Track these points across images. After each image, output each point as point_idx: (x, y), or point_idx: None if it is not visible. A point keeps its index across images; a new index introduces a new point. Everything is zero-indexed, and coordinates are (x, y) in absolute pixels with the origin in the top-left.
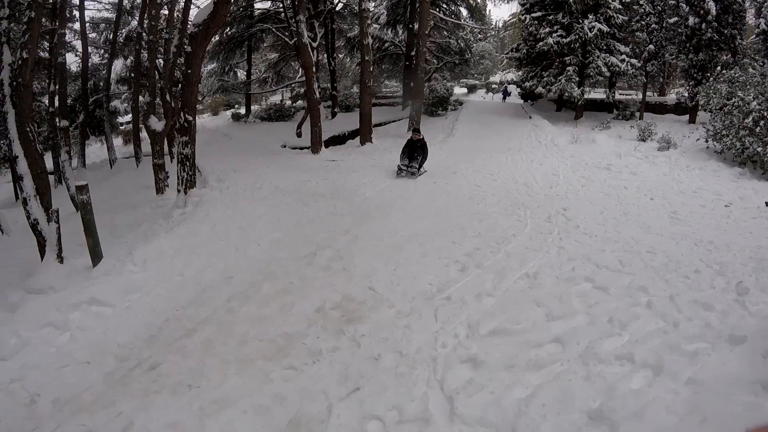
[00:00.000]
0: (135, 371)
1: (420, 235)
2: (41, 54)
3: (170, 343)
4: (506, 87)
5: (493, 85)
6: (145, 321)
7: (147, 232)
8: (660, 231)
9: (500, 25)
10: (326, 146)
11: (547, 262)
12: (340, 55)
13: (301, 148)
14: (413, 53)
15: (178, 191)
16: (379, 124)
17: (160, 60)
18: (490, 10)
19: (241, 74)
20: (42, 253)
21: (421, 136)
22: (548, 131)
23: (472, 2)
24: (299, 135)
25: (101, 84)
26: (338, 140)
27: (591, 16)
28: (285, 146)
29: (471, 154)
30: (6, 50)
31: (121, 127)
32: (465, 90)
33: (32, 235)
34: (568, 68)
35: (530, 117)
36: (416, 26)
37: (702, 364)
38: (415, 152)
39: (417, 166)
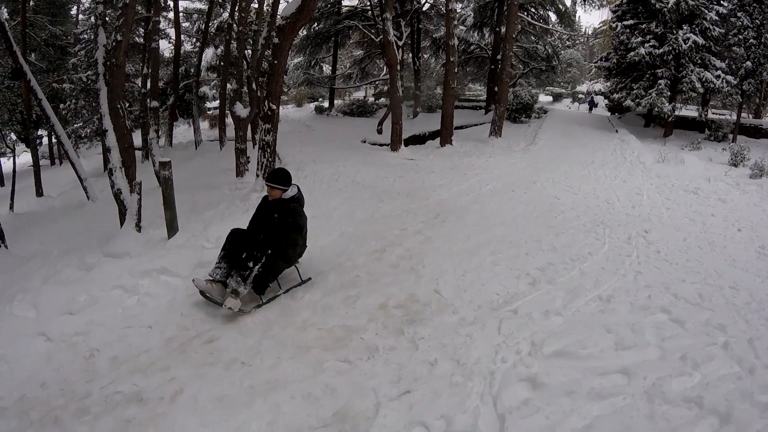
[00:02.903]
0: (194, 341)
1: (493, 243)
2: (136, 39)
3: (231, 319)
4: (593, 97)
5: (580, 95)
6: None
7: (224, 211)
8: (745, 266)
9: (590, 32)
10: (406, 145)
11: (622, 286)
12: (425, 56)
13: (381, 145)
14: (499, 57)
15: (257, 176)
16: (461, 127)
17: (249, 50)
18: (579, 16)
19: (327, 69)
20: (122, 221)
21: (293, 192)
22: (635, 147)
23: (561, 7)
24: (380, 132)
25: (192, 70)
26: (418, 140)
27: (686, 27)
28: (365, 142)
29: (552, 165)
30: (102, 32)
31: (208, 112)
32: (550, 98)
33: (115, 204)
34: (659, 81)
35: (617, 131)
36: (503, 29)
37: None
38: (255, 237)
39: (248, 275)
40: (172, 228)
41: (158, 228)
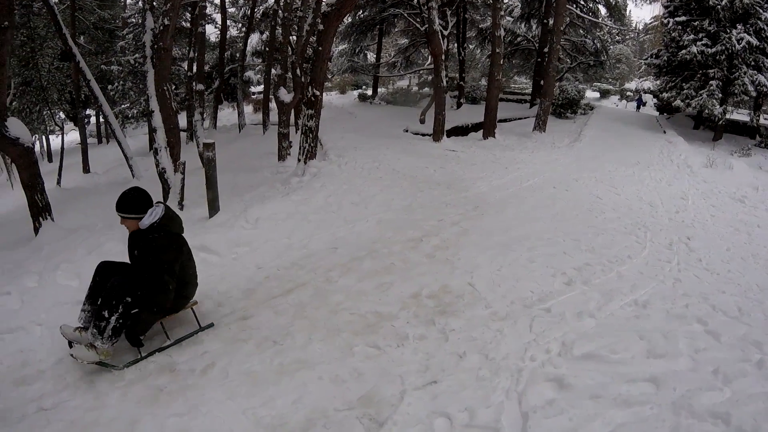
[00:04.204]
0: (228, 318)
1: (530, 239)
2: (183, 23)
3: (266, 299)
4: (641, 96)
5: (628, 93)
6: (247, 274)
7: (264, 194)
8: None
9: (640, 28)
10: (448, 136)
11: (659, 292)
12: (471, 46)
13: (423, 135)
14: (546, 50)
15: (299, 160)
16: (504, 120)
17: (293, 36)
18: (630, 10)
19: (371, 56)
20: (165, 198)
21: (153, 217)
22: (682, 150)
23: (611, 0)
24: (422, 121)
25: (237, 55)
26: (460, 131)
27: (740, 27)
28: (407, 131)
29: (596, 163)
30: (149, 17)
31: (252, 96)
32: (597, 94)
33: (159, 182)
34: (710, 82)
35: (664, 131)
36: (551, 22)
37: None
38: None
39: (104, 327)
40: (213, 207)
41: (200, 207)
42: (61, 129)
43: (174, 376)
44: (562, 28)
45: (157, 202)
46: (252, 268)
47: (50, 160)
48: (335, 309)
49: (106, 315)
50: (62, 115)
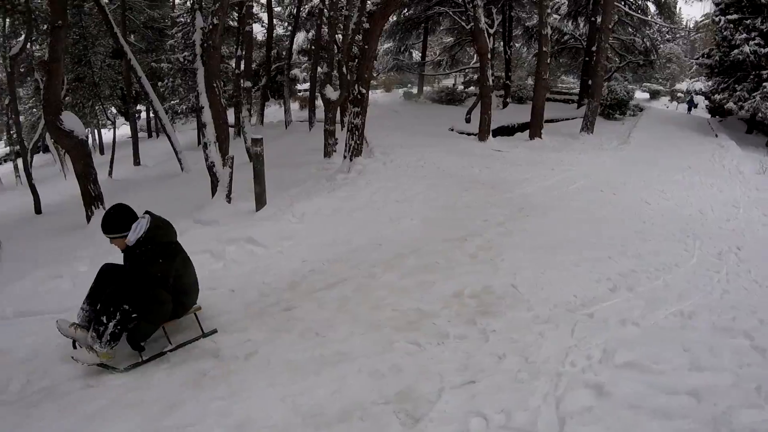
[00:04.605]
0: (272, 308)
1: (575, 242)
2: (231, 23)
3: (310, 292)
4: (692, 97)
5: (679, 94)
6: (291, 267)
7: (310, 189)
8: None
9: (691, 26)
10: (493, 135)
11: (706, 303)
12: (517, 45)
13: (468, 134)
14: (594, 48)
15: (344, 157)
16: (551, 121)
17: (339, 35)
18: (680, 8)
19: (416, 55)
20: (213, 191)
21: (139, 232)
22: (734, 155)
23: None
24: (468, 121)
25: (283, 53)
26: (506, 131)
27: None
28: (452, 130)
29: (644, 167)
30: (198, 16)
31: (298, 94)
32: (647, 95)
33: (207, 176)
34: (764, 84)
35: (716, 135)
36: (599, 19)
37: None
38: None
39: (103, 332)
40: (260, 201)
41: (247, 200)
42: (113, 123)
43: (217, 361)
44: (610, 26)
45: (144, 214)
46: (297, 261)
47: (102, 152)
48: (377, 304)
49: (105, 320)
50: (114, 110)
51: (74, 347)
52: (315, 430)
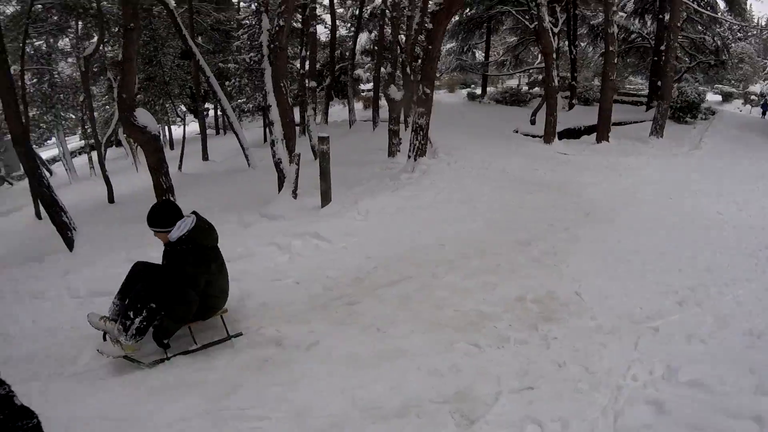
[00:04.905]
0: (335, 302)
1: (643, 252)
2: (295, 24)
3: (373, 288)
4: (767, 100)
5: (752, 96)
6: (355, 263)
7: (374, 188)
8: None
9: (763, 23)
10: (559, 138)
11: None
12: (582, 44)
13: (533, 136)
14: (662, 48)
15: (409, 157)
16: (619, 123)
17: (402, 35)
18: (751, 4)
19: (479, 55)
20: (280, 187)
21: (182, 230)
22: None
23: None
24: (533, 122)
25: (347, 54)
26: (572, 134)
27: None
28: (517, 131)
29: (717, 175)
30: (265, 18)
31: (362, 93)
32: (719, 98)
33: (274, 172)
34: None
35: None
36: (667, 17)
37: None
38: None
39: (129, 326)
40: (325, 198)
41: (312, 197)
42: (183, 120)
43: (280, 349)
44: (678, 24)
45: (190, 213)
46: (361, 258)
47: (171, 147)
48: (439, 304)
49: (132, 316)
50: (183, 107)
51: (104, 339)
52: (371, 423)
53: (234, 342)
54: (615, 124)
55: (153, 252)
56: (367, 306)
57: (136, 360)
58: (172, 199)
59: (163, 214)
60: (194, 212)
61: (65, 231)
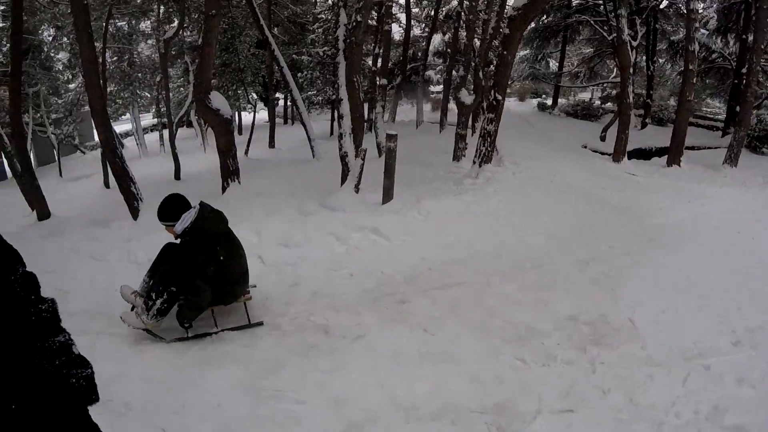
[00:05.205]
0: (387, 298)
1: (703, 285)
2: (370, 21)
3: (425, 288)
4: None
5: None
6: (411, 262)
7: (436, 189)
8: None
9: None
10: (628, 157)
11: None
12: (660, 60)
13: (602, 153)
14: (744, 71)
15: (474, 162)
16: (692, 148)
17: (477, 39)
18: None
19: (553, 64)
20: (343, 180)
21: (186, 222)
22: None
23: None
24: (603, 139)
25: (419, 54)
26: (642, 154)
27: None
28: (585, 147)
29: None
30: (342, 13)
31: (431, 95)
32: None
33: (337, 165)
34: None
35: None
36: (750, 38)
37: None
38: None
39: (151, 306)
40: (388, 195)
41: (373, 192)
42: (253, 107)
43: (327, 337)
44: (762, 47)
45: (198, 204)
46: (416, 257)
47: (240, 132)
48: (490, 313)
49: (154, 297)
50: (254, 95)
51: (131, 309)
52: (406, 422)
53: (282, 324)
54: (688, 147)
55: None
56: (418, 306)
57: (156, 335)
58: (237, 182)
59: (169, 208)
60: (201, 202)
61: (132, 201)
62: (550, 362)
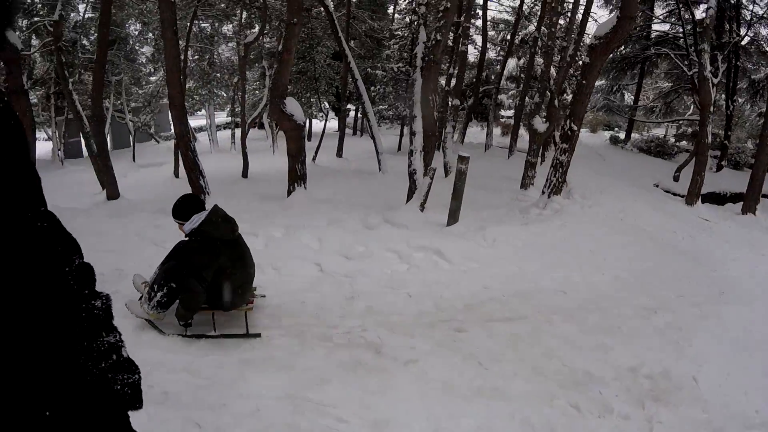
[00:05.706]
0: (443, 324)
1: None
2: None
3: (484, 319)
4: None
5: None
6: (472, 289)
7: (502, 217)
8: None
9: None
10: (702, 201)
11: None
12: (740, 100)
13: (674, 194)
14: None
15: (543, 192)
16: None
17: (553, 66)
18: None
19: (628, 97)
20: (409, 197)
21: (194, 222)
22: None
23: None
24: (676, 179)
25: (493, 77)
26: (717, 199)
27: None
28: (657, 186)
29: None
30: (422, 31)
31: (501, 120)
32: None
33: (404, 180)
34: None
35: None
36: None
37: None
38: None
39: (152, 298)
40: (453, 217)
41: (437, 213)
42: (325, 116)
43: (378, 356)
44: None
45: (212, 208)
46: (478, 285)
47: (309, 139)
48: (548, 353)
49: (155, 289)
50: (327, 104)
51: (140, 299)
52: None
53: (333, 336)
54: (765, 195)
55: (277, 233)
56: (475, 336)
57: (157, 327)
58: (303, 186)
59: (181, 207)
60: (215, 206)
61: (200, 193)
62: (606, 414)
